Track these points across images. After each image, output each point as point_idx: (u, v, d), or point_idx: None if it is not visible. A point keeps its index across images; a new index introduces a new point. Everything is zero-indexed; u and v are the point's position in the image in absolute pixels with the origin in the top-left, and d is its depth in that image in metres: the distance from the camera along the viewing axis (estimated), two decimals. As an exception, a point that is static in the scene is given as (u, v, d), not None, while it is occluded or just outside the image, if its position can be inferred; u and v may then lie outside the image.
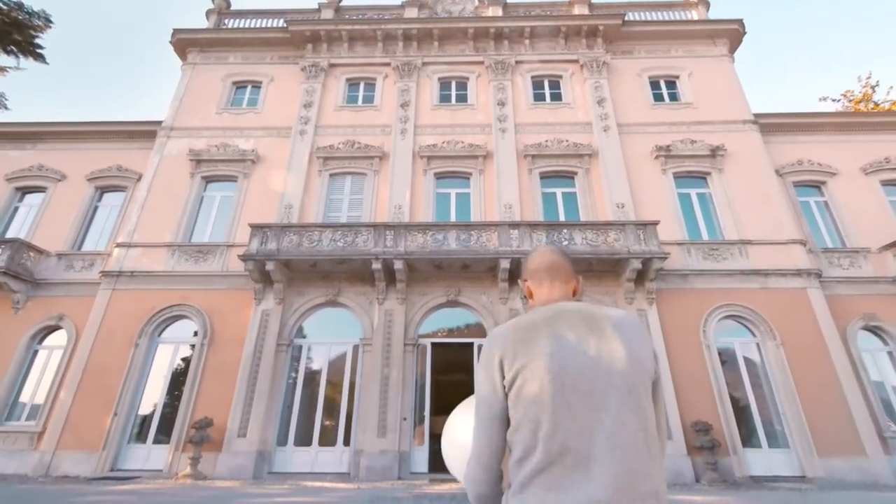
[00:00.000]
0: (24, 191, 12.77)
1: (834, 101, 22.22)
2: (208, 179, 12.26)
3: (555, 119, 12.83)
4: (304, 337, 10.26)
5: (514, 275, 9.85)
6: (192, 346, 10.01)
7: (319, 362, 10.08)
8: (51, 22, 10.70)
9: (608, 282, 10.18)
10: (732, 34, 13.99)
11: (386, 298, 10.12)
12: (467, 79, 13.78)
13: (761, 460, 8.74)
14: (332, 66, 13.96)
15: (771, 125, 12.59)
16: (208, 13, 15.29)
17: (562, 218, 11.42)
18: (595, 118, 12.59)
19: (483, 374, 1.13)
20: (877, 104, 21.00)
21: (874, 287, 10.46)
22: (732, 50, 14.08)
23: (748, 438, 8.95)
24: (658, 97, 13.30)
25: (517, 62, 13.86)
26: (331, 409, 9.54)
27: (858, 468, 8.34)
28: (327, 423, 9.40)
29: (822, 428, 8.68)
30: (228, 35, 14.42)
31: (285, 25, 14.14)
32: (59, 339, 10.48)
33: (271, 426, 9.12)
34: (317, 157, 12.22)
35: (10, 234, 11.81)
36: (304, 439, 9.21)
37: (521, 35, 14.07)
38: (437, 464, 9.15)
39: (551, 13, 14.65)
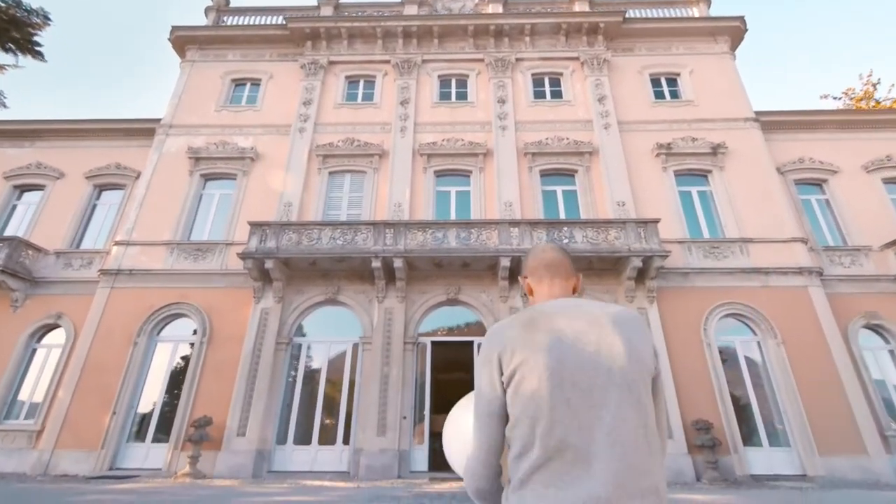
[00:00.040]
0: (23, 189, 12.73)
1: (835, 98, 22.18)
2: (207, 177, 12.21)
3: (555, 117, 12.77)
4: (303, 335, 10.22)
5: (515, 273, 9.82)
6: (191, 345, 9.98)
7: (319, 361, 10.05)
8: (49, 20, 10.64)
9: (609, 280, 10.14)
10: (734, 31, 13.92)
11: (386, 297, 10.08)
12: (467, 76, 13.72)
13: (762, 459, 8.72)
14: (331, 63, 13.90)
15: (772, 123, 12.53)
16: (207, 10, 15.22)
17: (562, 216, 11.38)
18: (595, 116, 12.53)
19: (482, 370, 1.13)
20: (878, 102, 20.94)
21: (875, 285, 10.43)
22: (734, 47, 14.01)
23: (749, 437, 8.93)
24: (659, 95, 13.24)
25: (517, 59, 13.80)
26: (330, 407, 9.51)
27: (860, 467, 8.32)
28: (327, 421, 9.38)
29: (823, 426, 8.66)
30: (227, 32, 14.35)
31: (284, 23, 14.08)
32: (57, 337, 10.45)
33: (271, 425, 9.09)
34: (316, 155, 12.17)
35: (8, 233, 11.76)
36: (303, 438, 9.19)
37: (521, 32, 14.00)
38: (437, 462, 9.12)
39: (552, 10, 14.57)
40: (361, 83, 13.79)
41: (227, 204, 11.74)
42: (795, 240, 10.59)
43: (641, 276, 9.84)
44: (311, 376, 9.87)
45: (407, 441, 8.97)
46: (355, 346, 9.94)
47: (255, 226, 10.18)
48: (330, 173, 12.10)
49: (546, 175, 12.01)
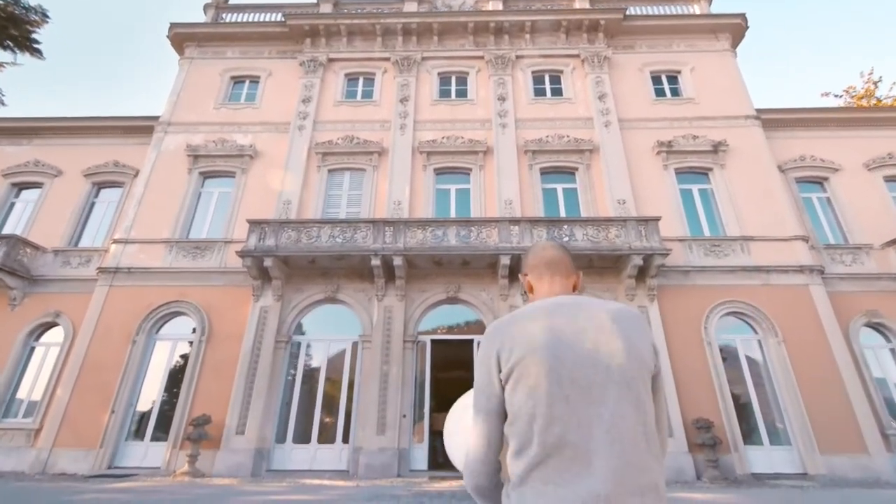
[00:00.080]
0: (21, 187, 12.67)
1: (836, 96, 22.09)
2: (206, 175, 12.16)
3: (555, 114, 12.72)
4: (302, 334, 10.19)
5: (515, 271, 9.78)
6: (190, 343, 9.94)
7: (318, 359, 10.01)
8: (47, 17, 10.60)
9: (609, 278, 10.10)
10: (735, 29, 13.86)
11: (385, 295, 10.04)
12: (467, 74, 13.66)
13: (763, 458, 8.70)
14: (330, 60, 13.84)
15: (773, 121, 12.49)
16: (206, 7, 15.14)
17: (562, 214, 11.34)
18: (596, 113, 12.48)
19: (481, 367, 1.13)
20: (879, 100, 20.87)
21: (876, 283, 10.40)
22: (735, 45, 13.95)
23: (749, 436, 8.90)
24: (660, 92, 13.19)
25: (517, 57, 13.74)
26: (330, 406, 9.48)
27: (860, 466, 8.30)
28: (326, 420, 9.35)
29: (823, 425, 8.64)
30: (226, 29, 14.28)
31: (283, 20, 14.01)
32: (56, 335, 10.41)
33: (270, 423, 9.06)
34: (315, 153, 12.12)
35: (6, 231, 11.73)
36: (302, 437, 9.16)
37: (521, 29, 13.94)
38: (436, 461, 9.11)
39: (552, 7, 14.51)
40: (361, 80, 13.73)
41: (225, 202, 11.69)
42: (796, 238, 10.56)
43: (642, 274, 9.81)
44: (311, 375, 9.84)
45: (406, 440, 8.95)
46: (355, 344, 9.91)
47: (254, 224, 10.14)
48: (329, 171, 12.05)
49: (546, 173, 11.97)
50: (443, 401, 10.92)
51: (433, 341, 9.99)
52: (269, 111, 12.97)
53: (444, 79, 13.71)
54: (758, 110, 12.52)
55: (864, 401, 8.87)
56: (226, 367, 9.46)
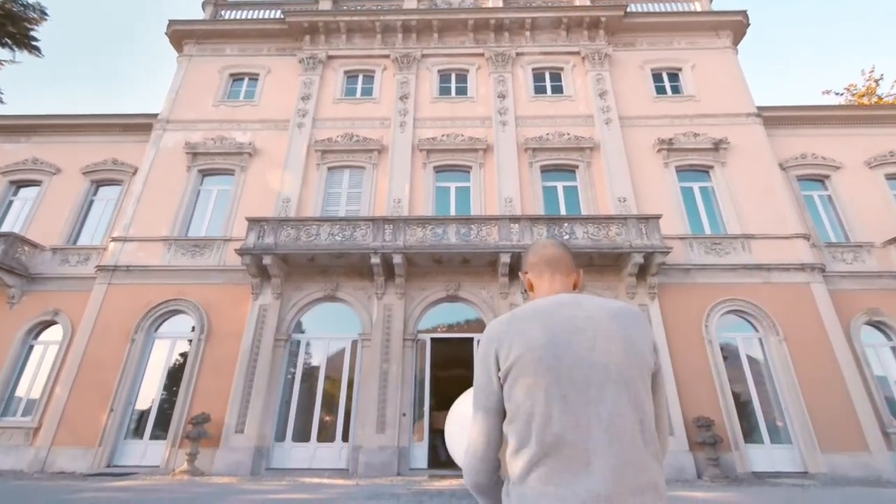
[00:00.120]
0: (19, 184, 12.63)
1: (837, 94, 22.01)
2: (205, 173, 12.11)
3: (556, 112, 12.67)
4: (302, 332, 10.16)
5: (515, 269, 9.74)
6: (189, 342, 9.91)
7: (318, 358, 9.98)
8: (46, 14, 10.54)
9: (609, 276, 10.07)
10: (736, 26, 13.80)
11: (385, 293, 10.01)
12: (467, 71, 13.60)
13: (763, 456, 8.68)
14: (330, 58, 13.77)
15: (775, 118, 12.44)
16: (204, 4, 15.06)
17: (563, 212, 11.30)
18: (597, 111, 12.43)
19: (480, 365, 1.14)
20: (880, 98, 20.81)
21: (878, 282, 10.37)
22: (736, 42, 13.89)
23: (750, 434, 8.89)
24: (660, 90, 13.14)
25: (518, 54, 13.68)
26: (329, 404, 9.45)
27: (861, 464, 8.28)
28: (326, 418, 9.33)
29: (824, 423, 8.62)
30: (225, 26, 14.21)
31: (282, 17, 13.95)
32: (54, 334, 10.38)
33: (269, 422, 9.04)
34: (315, 151, 12.07)
35: (4, 228, 11.67)
36: (302, 435, 9.13)
37: (521, 26, 13.87)
38: (436, 460, 9.09)
39: (552, 4, 14.45)
40: (360, 78, 13.67)
41: (224, 199, 11.65)
42: (798, 236, 10.52)
43: (643, 272, 9.77)
44: (310, 373, 9.81)
45: (406, 438, 8.92)
46: (354, 342, 9.88)
47: (253, 221, 10.10)
48: (329, 169, 12.00)
49: (546, 171, 11.92)
50: (443, 399, 10.89)
51: (433, 339, 9.96)
52: (268, 109, 12.92)
53: (444, 76, 13.65)
54: (759, 108, 12.48)
55: (865, 399, 8.84)
56: (225, 366, 9.43)
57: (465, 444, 1.18)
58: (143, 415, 9.44)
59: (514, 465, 1.01)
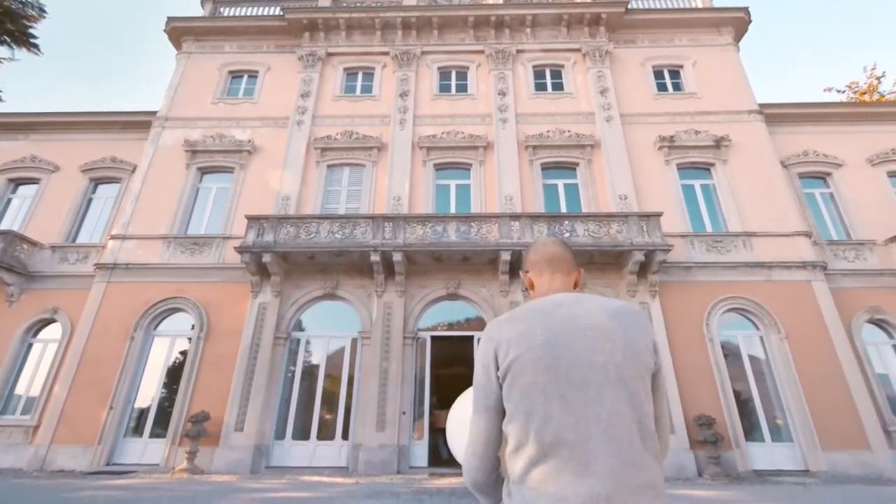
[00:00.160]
0: (17, 182, 12.59)
1: (839, 92, 21.92)
2: (204, 170, 12.07)
3: (556, 109, 12.61)
4: (302, 330, 10.13)
5: (515, 267, 9.71)
6: (189, 340, 9.89)
7: (318, 356, 9.96)
8: (45, 12, 10.49)
9: (610, 274, 10.03)
10: (738, 22, 13.73)
11: (385, 291, 9.98)
12: (467, 68, 13.54)
13: (764, 454, 8.66)
14: (329, 55, 13.71)
15: (776, 115, 12.38)
16: (203, 1, 15.03)
17: (563, 209, 11.25)
18: (597, 108, 12.37)
19: (479, 365, 1.14)
20: (882, 95, 20.72)
21: (879, 280, 10.34)
22: (738, 39, 13.82)
23: (751, 432, 8.87)
24: (661, 87, 13.08)
25: (518, 51, 13.61)
26: (329, 402, 9.43)
27: (862, 462, 8.26)
28: (326, 416, 9.31)
29: (825, 422, 8.59)
30: (224, 23, 14.15)
31: (282, 13, 13.88)
32: (53, 332, 10.36)
33: (269, 420, 9.02)
34: (314, 148, 12.02)
35: (3, 226, 11.63)
36: (302, 433, 9.12)
37: (522, 23, 13.80)
38: (436, 458, 9.07)
39: (553, 1, 14.36)
40: (360, 75, 13.61)
41: (224, 197, 11.61)
42: (799, 234, 10.48)
43: (644, 270, 9.73)
44: (310, 371, 9.79)
45: (406, 436, 8.91)
46: (354, 340, 9.86)
47: (253, 219, 10.06)
48: (328, 166, 11.96)
49: (547, 168, 11.88)
50: (443, 397, 10.88)
51: (433, 338, 9.93)
52: (267, 106, 12.87)
53: (444, 73, 13.59)
54: (760, 105, 12.42)
55: (866, 397, 8.82)
56: (224, 364, 9.41)
57: (465, 443, 1.17)
58: (143, 413, 9.42)
59: (514, 464, 1.01)
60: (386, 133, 12.23)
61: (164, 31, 14.11)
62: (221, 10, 14.97)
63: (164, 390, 9.61)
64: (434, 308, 10.17)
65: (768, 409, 9.11)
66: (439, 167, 11.94)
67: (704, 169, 11.75)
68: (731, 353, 9.59)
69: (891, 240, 10.65)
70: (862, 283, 10.30)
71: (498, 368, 1.08)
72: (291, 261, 10.06)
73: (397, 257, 9.57)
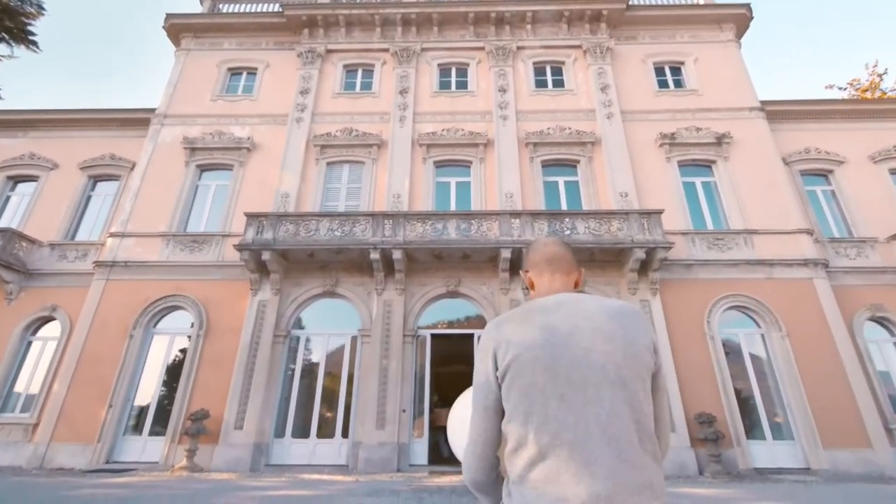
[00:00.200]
0: (16, 180, 12.55)
1: (840, 89, 21.86)
2: (203, 168, 12.03)
3: (557, 106, 12.55)
4: (301, 328, 10.10)
5: (516, 265, 9.67)
6: (188, 338, 9.86)
7: (318, 354, 9.93)
8: (43, 9, 10.46)
9: (611, 272, 10.00)
10: (739, 19, 13.65)
11: (385, 289, 9.94)
12: (467, 65, 13.47)
13: (765, 452, 8.64)
14: (329, 51, 13.64)
15: (778, 112, 12.32)
16: (202, -3, 14.92)
17: (564, 207, 11.21)
18: (598, 105, 12.31)
19: (479, 364, 1.14)
20: (884, 92, 20.65)
21: (881, 277, 10.30)
22: (739, 35, 13.75)
23: (752, 430, 8.85)
24: (663, 84, 13.01)
25: (519, 48, 13.54)
26: (329, 400, 9.41)
27: (864, 460, 8.24)
28: (326, 414, 9.29)
29: (827, 420, 8.57)
30: (223, 20, 14.08)
31: (281, 10, 13.81)
32: (52, 330, 10.33)
33: (269, 418, 9.00)
34: (314, 145, 11.97)
35: (1, 224, 11.58)
36: (302, 431, 9.10)
37: (522, 20, 13.73)
38: (436, 456, 9.06)
39: (554, -3, 14.26)
40: (360, 72, 13.55)
41: (223, 195, 11.57)
42: (801, 231, 10.44)
43: (644, 267, 9.69)
44: (310, 369, 9.77)
45: (406, 434, 8.89)
46: (354, 338, 9.83)
47: (252, 217, 10.02)
48: (328, 164, 11.91)
49: (548, 165, 11.82)
50: (443, 395, 10.87)
51: (433, 336, 9.90)
52: (266, 103, 12.81)
53: (444, 70, 13.53)
54: (762, 102, 12.35)
55: (867, 395, 8.79)
56: (224, 362, 9.39)
57: (464, 443, 1.17)
58: (143, 411, 9.41)
59: (514, 464, 1.01)
60: (386, 130, 12.18)
61: (163, 27, 14.05)
62: (220, 6, 14.89)
63: (163, 388, 9.59)
64: (434, 306, 10.14)
65: (769, 407, 9.09)
66: (439, 164, 11.89)
67: (706, 166, 11.70)
68: (732, 351, 9.56)
69: (892, 237, 10.61)
70: (863, 281, 10.26)
71: (497, 368, 1.08)
72: (291, 258, 10.02)
73: (397, 255, 9.53)
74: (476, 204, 11.18)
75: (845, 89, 21.76)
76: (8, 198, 12.34)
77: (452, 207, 11.31)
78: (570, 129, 12.01)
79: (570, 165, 11.87)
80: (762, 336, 9.68)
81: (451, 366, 10.81)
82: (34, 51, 10.59)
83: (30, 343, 10.33)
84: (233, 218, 10.98)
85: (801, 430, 8.64)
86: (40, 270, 10.77)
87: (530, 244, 1.37)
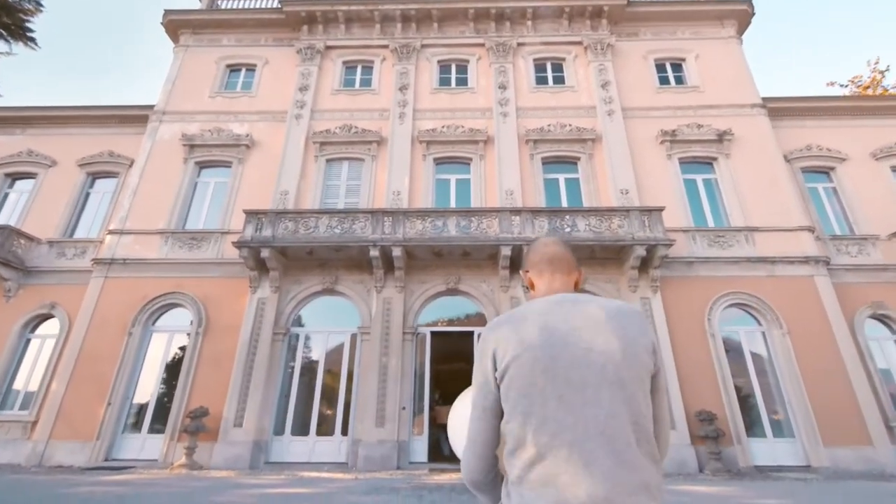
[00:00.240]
0: (14, 177, 12.49)
1: (842, 86, 21.79)
2: (202, 165, 11.97)
3: (557, 103, 12.49)
4: (301, 325, 10.07)
5: (516, 262, 9.63)
6: (187, 335, 9.83)
7: (317, 351, 9.91)
8: (41, 5, 10.42)
9: (611, 269, 9.96)
10: (741, 15, 13.57)
11: (384, 286, 9.91)
12: (467, 61, 13.40)
13: (766, 450, 8.62)
14: (328, 48, 13.57)
15: (779, 109, 12.26)
16: (201, -7, 14.82)
17: (564, 204, 11.16)
18: (599, 102, 12.25)
19: (478, 364, 1.14)
20: (886, 89, 20.58)
21: (882, 275, 10.26)
22: (741, 32, 13.67)
23: (752, 428, 8.83)
24: (664, 80, 12.95)
25: (519, 44, 13.47)
26: (329, 398, 9.39)
27: (864, 458, 8.22)
28: (325, 412, 9.27)
29: (827, 417, 8.55)
30: (221, 16, 13.99)
31: (280, 6, 13.72)
32: (51, 327, 10.30)
33: (268, 416, 8.98)
34: (313, 143, 11.91)
35: (0, 221, 11.55)
36: (301, 429, 9.08)
37: (523, 16, 13.65)
38: (436, 454, 9.05)
39: (554, -7, 14.17)
40: (359, 69, 13.48)
41: (222, 192, 11.52)
42: (802, 228, 10.40)
43: (645, 265, 9.66)
44: (310, 367, 9.75)
45: (406, 432, 8.87)
46: (354, 336, 9.80)
47: (251, 214, 9.97)
48: (327, 161, 11.86)
49: (548, 163, 11.77)
50: (443, 393, 10.85)
51: (433, 333, 9.87)
52: (265, 100, 12.75)
53: (444, 67, 13.46)
54: (764, 99, 12.29)
55: (868, 393, 8.77)
56: (223, 360, 9.36)
57: (463, 442, 1.17)
58: (142, 408, 9.39)
59: (512, 465, 1.01)
60: (385, 127, 12.12)
61: (162, 23, 13.97)
62: (219, 2, 14.80)
63: (162, 386, 9.57)
64: (434, 303, 10.10)
65: (770, 404, 9.07)
66: (439, 161, 11.84)
67: (707, 163, 11.65)
68: (732, 349, 9.53)
69: (894, 235, 10.57)
70: (865, 279, 10.23)
71: (496, 369, 1.08)
72: (290, 256, 9.98)
73: (397, 252, 9.50)
74: (476, 201, 11.14)
75: (846, 86, 21.71)
76: (6, 195, 12.29)
77: (452, 205, 11.26)
78: (570, 125, 11.96)
79: (570, 162, 11.81)
80: (763, 334, 9.66)
81: (451, 363, 10.79)
82: (32, 48, 10.54)
83: (28, 340, 10.30)
84: (232, 215, 10.94)
85: (802, 427, 8.62)
86: (39, 268, 10.74)
87: (531, 244, 1.36)
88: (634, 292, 9.67)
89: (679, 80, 12.95)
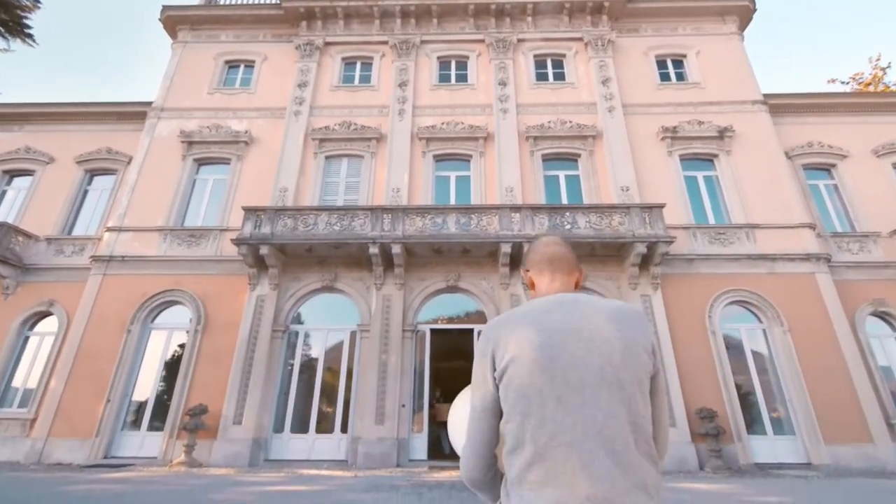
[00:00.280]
0: (12, 174, 12.44)
1: (843, 83, 21.71)
2: (200, 162, 11.92)
3: (558, 99, 12.42)
4: (300, 323, 10.04)
5: (516, 259, 9.59)
6: (186, 332, 9.80)
7: (316, 349, 9.88)
8: (39, 2, 10.34)
9: (612, 267, 9.92)
10: (742, 11, 13.49)
11: (384, 284, 9.87)
12: (467, 58, 13.33)
13: (766, 447, 8.60)
14: (327, 44, 13.49)
15: (781, 106, 12.20)
16: (199, -11, 14.71)
17: (565, 201, 11.12)
18: (599, 98, 12.19)
19: (477, 364, 1.14)
20: (887, 86, 20.50)
21: (884, 272, 10.23)
22: (742, 28, 13.60)
23: (753, 425, 8.81)
24: (665, 77, 12.88)
25: (519, 40, 13.39)
26: (328, 395, 9.37)
27: (865, 455, 8.21)
28: (325, 410, 9.25)
29: (828, 415, 8.53)
30: (220, 12, 13.90)
31: (279, 2, 13.63)
32: (50, 325, 10.27)
33: (267, 413, 8.95)
34: (312, 139, 11.85)
35: (-2, 219, 11.51)
36: (300, 426, 9.06)
37: (523, 12, 13.57)
38: (436, 451, 9.03)
39: (555, -11, 14.08)
40: (358, 65, 13.40)
41: (221, 189, 11.47)
42: (803, 225, 10.36)
43: (646, 262, 9.62)
44: (309, 364, 9.72)
45: (406, 429, 8.84)
46: (353, 333, 9.77)
47: (250, 211, 9.93)
48: (326, 158, 11.80)
49: (548, 159, 11.72)
50: (443, 391, 10.84)
51: (433, 331, 9.84)
52: (264, 96, 12.68)
53: (444, 63, 13.38)
54: (765, 95, 12.23)
55: (869, 390, 8.76)
56: (222, 357, 9.33)
57: (462, 440, 1.17)
58: (141, 406, 9.37)
59: (511, 465, 1.01)
60: (385, 124, 12.06)
61: (160, 19, 13.88)
62: (217, -2, 14.70)
63: (161, 383, 9.55)
64: (433, 301, 10.07)
65: (770, 402, 9.05)
66: (439, 158, 11.79)
67: (707, 160, 11.60)
68: (733, 346, 9.51)
69: (895, 232, 10.53)
70: (866, 276, 10.20)
71: (495, 369, 1.08)
72: (289, 253, 9.94)
73: (396, 249, 9.46)
74: (476, 198, 11.09)
75: (847, 83, 21.63)
76: (4, 192, 12.24)
77: (452, 201, 11.21)
78: (570, 122, 11.90)
79: (570, 159, 11.76)
80: (763, 331, 9.63)
81: (451, 361, 10.77)
82: (30, 44, 10.48)
83: (27, 338, 10.28)
84: (230, 212, 10.89)
85: (803, 425, 8.61)
86: (37, 265, 10.70)
87: (532, 244, 1.36)
88: (635, 289, 9.64)
89: (680, 77, 12.88)
